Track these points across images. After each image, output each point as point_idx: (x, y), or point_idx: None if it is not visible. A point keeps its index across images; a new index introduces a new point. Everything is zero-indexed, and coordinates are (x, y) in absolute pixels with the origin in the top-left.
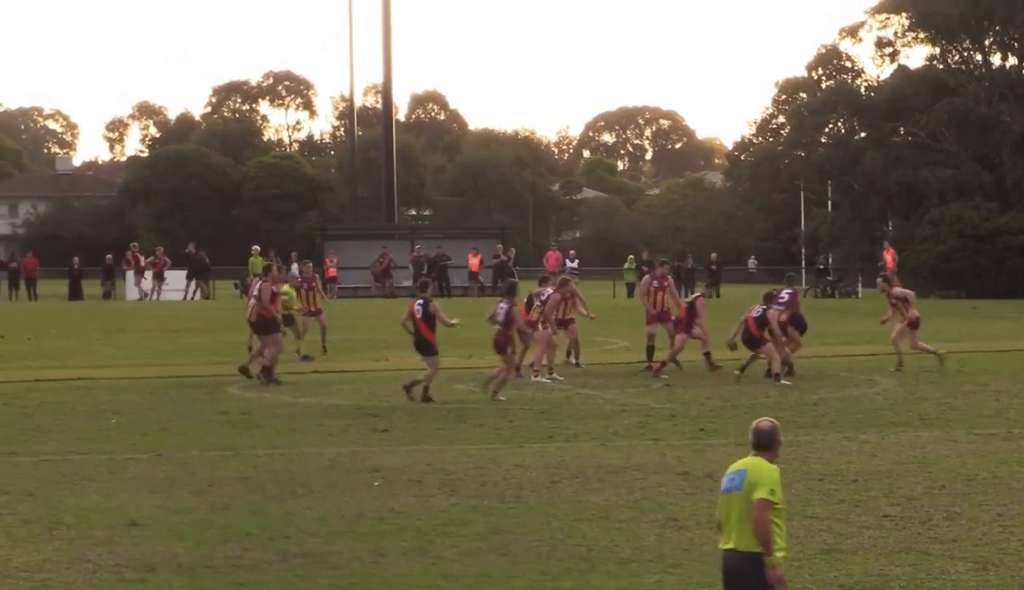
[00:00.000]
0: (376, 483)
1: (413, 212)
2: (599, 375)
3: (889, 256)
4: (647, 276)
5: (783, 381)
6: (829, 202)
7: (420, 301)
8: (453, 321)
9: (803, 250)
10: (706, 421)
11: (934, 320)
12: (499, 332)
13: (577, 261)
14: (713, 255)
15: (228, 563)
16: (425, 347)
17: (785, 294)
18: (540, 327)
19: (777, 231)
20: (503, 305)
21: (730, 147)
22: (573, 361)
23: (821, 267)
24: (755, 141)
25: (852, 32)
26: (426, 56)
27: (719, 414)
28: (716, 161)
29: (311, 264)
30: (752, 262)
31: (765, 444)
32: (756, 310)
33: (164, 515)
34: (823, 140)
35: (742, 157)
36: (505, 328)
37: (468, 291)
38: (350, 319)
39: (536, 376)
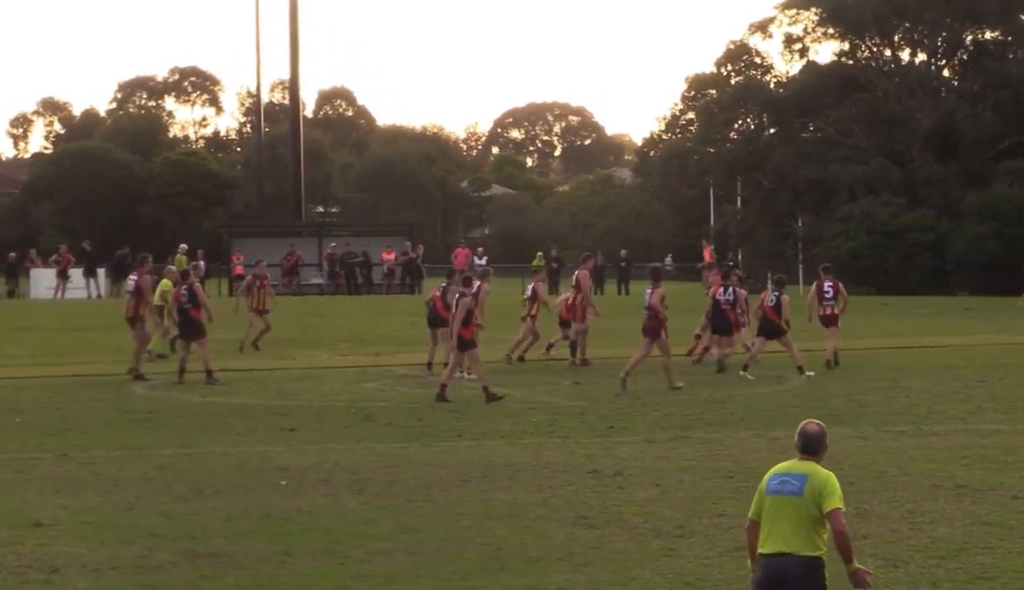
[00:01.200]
0: (283, 483)
1: (321, 209)
2: (508, 373)
3: (707, 253)
4: (585, 272)
5: (806, 373)
6: (739, 198)
7: (457, 295)
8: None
9: (712, 246)
10: (615, 419)
11: (844, 317)
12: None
13: (486, 258)
14: (623, 252)
15: (134, 564)
16: (461, 343)
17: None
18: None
19: (686, 228)
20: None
21: (639, 143)
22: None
23: (731, 264)
24: (664, 137)
25: (762, 28)
26: (334, 52)
27: (628, 412)
28: (625, 157)
29: (263, 262)
30: (668, 260)
31: (814, 448)
32: (770, 298)
33: (69, 515)
34: (732, 136)
35: (651, 153)
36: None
37: (383, 288)
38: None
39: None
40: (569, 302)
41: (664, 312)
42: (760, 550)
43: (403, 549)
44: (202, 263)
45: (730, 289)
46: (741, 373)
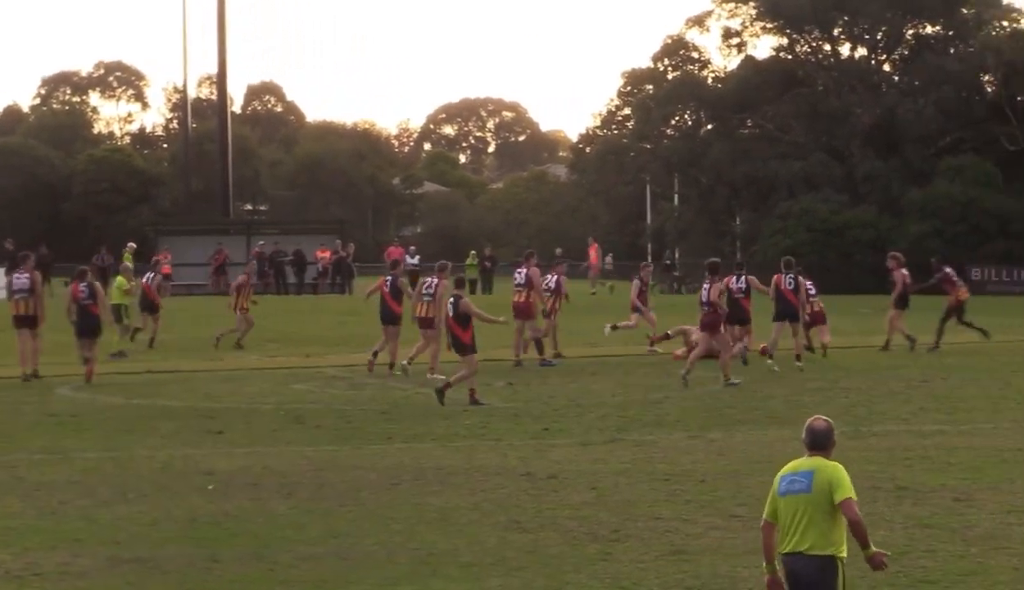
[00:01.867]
0: (210, 486)
1: (249, 207)
2: (440, 374)
3: (593, 252)
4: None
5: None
6: (676, 196)
7: (451, 298)
8: (500, 318)
9: (649, 245)
10: (550, 420)
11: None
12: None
13: (418, 257)
14: (557, 250)
15: (57, 570)
16: (459, 346)
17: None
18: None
19: (622, 225)
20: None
21: (574, 140)
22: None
23: (668, 262)
24: (600, 133)
25: (699, 22)
26: (262, 46)
27: (563, 413)
28: (560, 154)
29: (254, 262)
30: (609, 259)
31: (822, 444)
32: (788, 281)
33: None
34: (669, 132)
35: (587, 150)
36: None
37: (317, 287)
38: (184, 317)
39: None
40: (523, 300)
41: (724, 306)
42: (780, 550)
43: (333, 554)
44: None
45: (742, 278)
46: (768, 363)
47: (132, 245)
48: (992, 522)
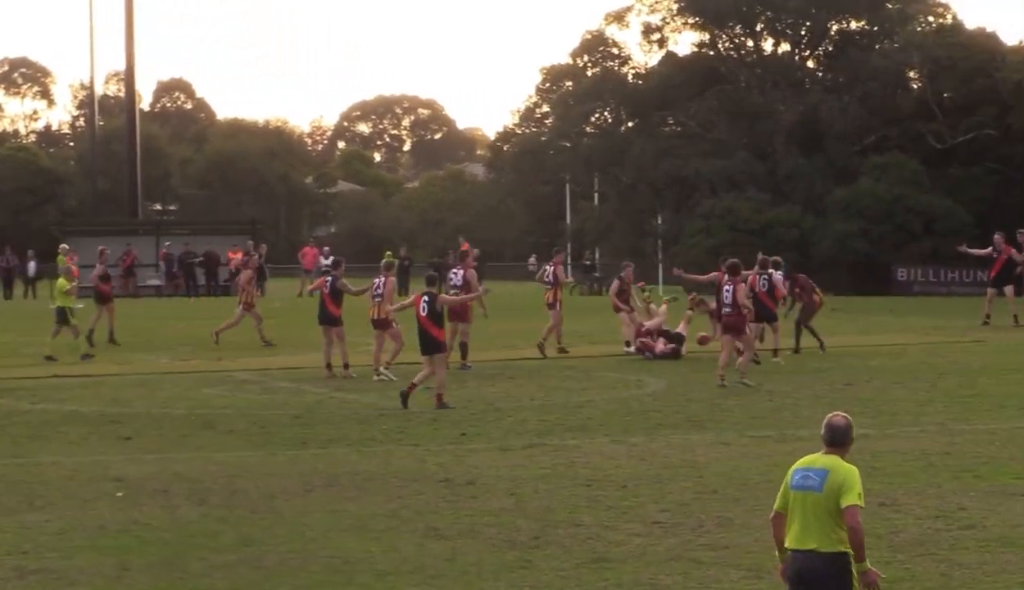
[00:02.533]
0: (120, 494)
1: (158, 206)
2: (355, 377)
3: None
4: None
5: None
6: (596, 195)
7: (426, 296)
8: (482, 289)
9: (569, 245)
10: (468, 425)
11: (702, 319)
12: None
13: (332, 258)
14: (475, 251)
15: None
16: (434, 345)
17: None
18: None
19: (542, 225)
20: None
21: (492, 138)
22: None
23: (588, 263)
24: (518, 131)
25: (619, 17)
26: (171, 42)
27: (481, 418)
28: (478, 152)
29: (256, 256)
30: (532, 260)
31: (840, 441)
32: (760, 283)
33: None
34: (589, 130)
35: (504, 148)
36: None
37: (230, 289)
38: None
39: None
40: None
41: (750, 306)
42: (787, 545)
43: (245, 562)
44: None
45: (764, 277)
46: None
47: (64, 247)
48: (918, 528)
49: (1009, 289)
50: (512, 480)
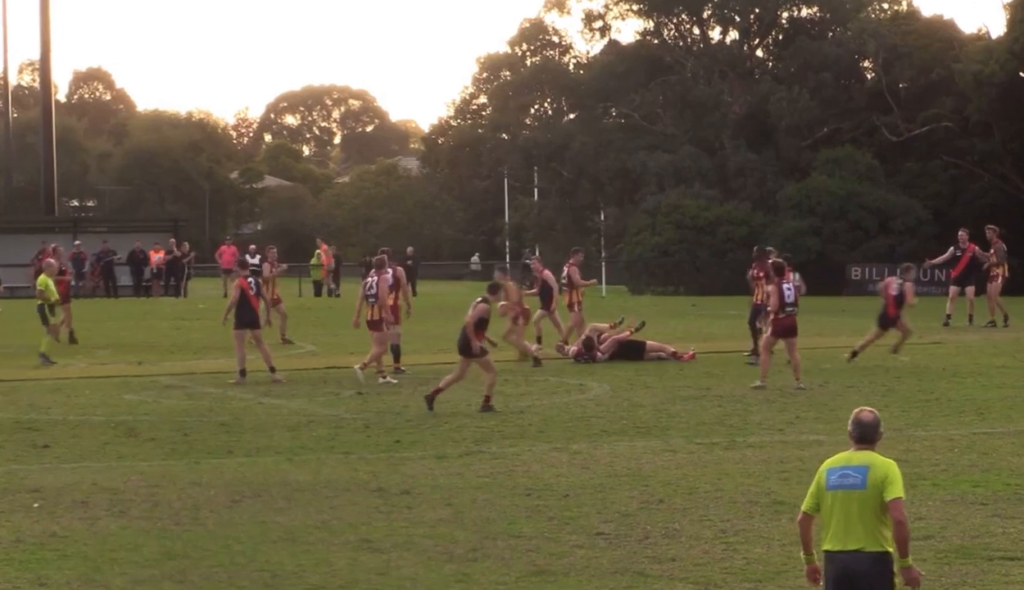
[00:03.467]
0: (36, 504)
1: (76, 203)
2: (284, 383)
3: (323, 251)
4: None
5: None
6: (536, 190)
7: (480, 302)
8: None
9: (508, 242)
10: (403, 432)
11: (654, 319)
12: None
13: (259, 256)
14: (409, 249)
15: None
16: (469, 348)
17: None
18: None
19: (479, 222)
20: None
21: (426, 130)
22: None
23: (527, 261)
24: (454, 123)
25: (559, 4)
26: (89, 29)
27: (417, 425)
28: (412, 145)
29: (275, 250)
30: (475, 259)
31: (871, 437)
32: (894, 287)
33: None
34: (529, 122)
35: (440, 141)
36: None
37: (152, 290)
38: (5, 322)
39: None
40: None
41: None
42: (825, 547)
43: (169, 577)
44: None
45: (791, 285)
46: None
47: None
48: None
49: (970, 289)
50: (449, 489)
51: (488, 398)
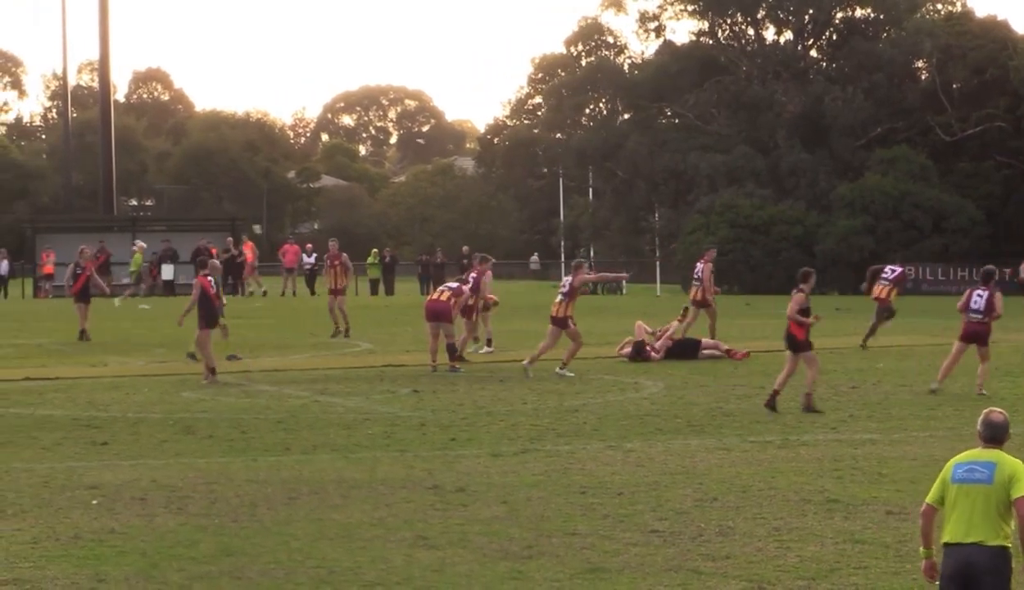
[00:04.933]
0: (95, 501)
1: (134, 202)
2: (340, 380)
3: (248, 250)
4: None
5: None
6: (590, 190)
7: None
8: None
9: (563, 242)
10: (457, 430)
11: (700, 319)
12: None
13: (315, 255)
14: (464, 248)
15: None
16: (799, 344)
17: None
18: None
19: (534, 221)
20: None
21: (482, 130)
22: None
23: (582, 261)
24: (509, 123)
25: (616, 3)
26: (148, 30)
27: (472, 422)
28: (467, 145)
29: (336, 242)
30: (535, 258)
31: (999, 437)
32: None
33: None
34: (583, 122)
35: (495, 141)
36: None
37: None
38: (65, 320)
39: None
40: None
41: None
42: (945, 539)
43: (227, 573)
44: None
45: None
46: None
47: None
48: None
49: None
50: (504, 487)
51: (809, 396)
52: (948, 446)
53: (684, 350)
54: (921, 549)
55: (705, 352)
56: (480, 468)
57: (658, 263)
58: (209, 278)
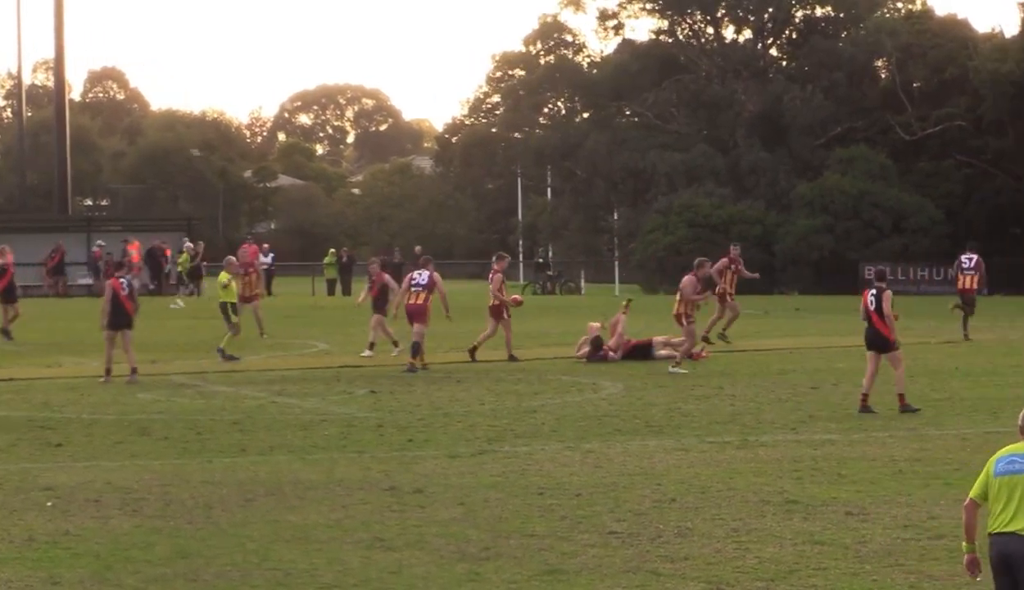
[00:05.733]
0: (49, 503)
1: (89, 202)
2: (297, 381)
3: (134, 250)
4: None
5: None
6: (549, 189)
7: (874, 291)
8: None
9: (520, 242)
10: (415, 431)
11: (663, 319)
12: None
13: (272, 255)
14: (417, 248)
15: None
16: (889, 344)
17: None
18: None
19: (492, 221)
20: None
21: (440, 129)
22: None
23: (540, 260)
24: (467, 122)
25: (574, 2)
26: (103, 29)
27: (429, 423)
28: (425, 145)
29: (255, 246)
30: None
31: None
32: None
33: None
34: (542, 121)
35: (453, 140)
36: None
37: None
38: (19, 321)
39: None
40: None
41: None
42: (990, 529)
43: (182, 576)
44: None
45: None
46: None
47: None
48: (887, 538)
49: None
50: (461, 488)
51: (902, 397)
52: (908, 446)
53: (637, 352)
54: (964, 544)
55: (662, 352)
56: (437, 469)
57: (616, 263)
58: (122, 280)
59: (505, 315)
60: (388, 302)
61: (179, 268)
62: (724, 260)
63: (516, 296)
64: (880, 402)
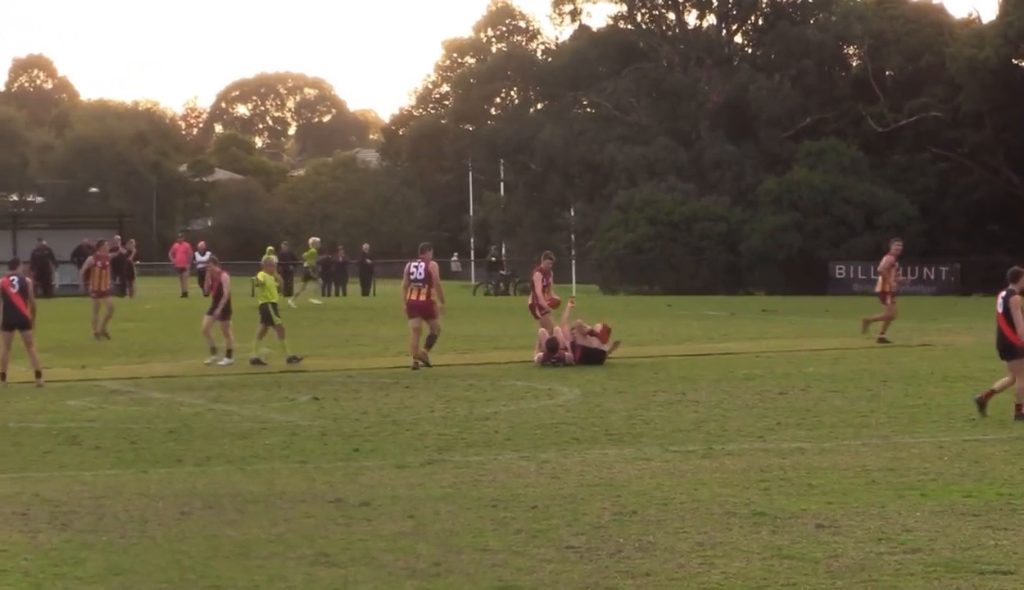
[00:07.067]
0: None
1: (15, 197)
2: (236, 387)
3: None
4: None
5: None
6: (502, 184)
7: (1004, 294)
8: None
9: (472, 239)
10: (361, 440)
11: (627, 319)
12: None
13: (209, 253)
14: (365, 246)
15: None
16: (1011, 351)
17: None
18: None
19: (442, 218)
20: None
21: (386, 121)
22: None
23: (493, 259)
24: (416, 114)
25: None
26: (29, 14)
27: (376, 432)
28: (371, 137)
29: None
30: (454, 259)
31: None
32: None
33: None
34: (494, 112)
35: (400, 132)
36: None
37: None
38: None
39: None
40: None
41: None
42: None
43: None
44: None
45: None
46: None
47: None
48: (859, 551)
49: None
50: (410, 501)
51: (1019, 407)
52: (881, 455)
53: (591, 357)
54: None
55: (609, 353)
56: (385, 480)
57: (574, 262)
58: (12, 278)
59: (539, 315)
60: (217, 306)
61: (306, 262)
62: (889, 257)
63: (553, 296)
64: (842, 409)
